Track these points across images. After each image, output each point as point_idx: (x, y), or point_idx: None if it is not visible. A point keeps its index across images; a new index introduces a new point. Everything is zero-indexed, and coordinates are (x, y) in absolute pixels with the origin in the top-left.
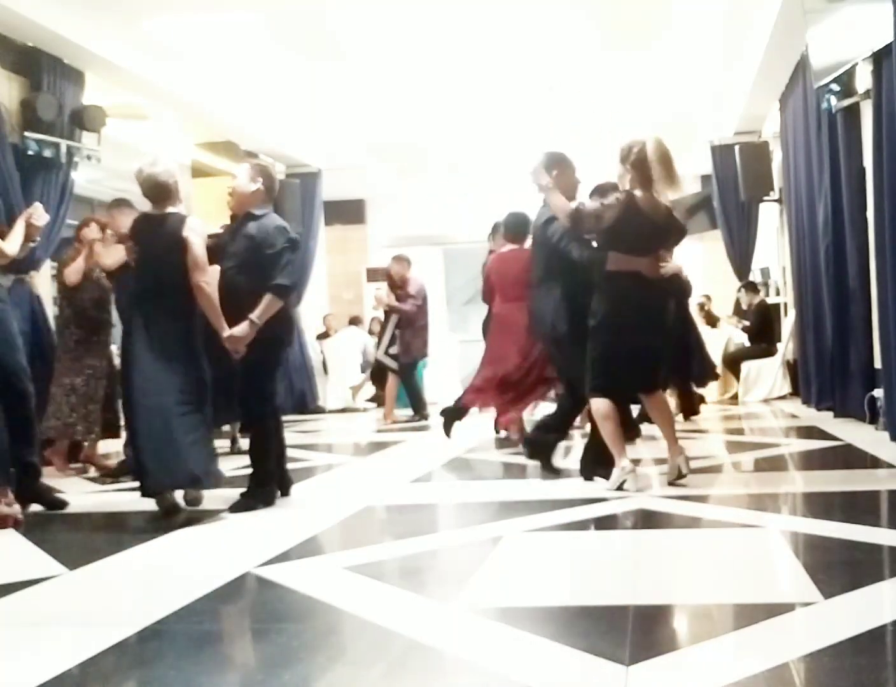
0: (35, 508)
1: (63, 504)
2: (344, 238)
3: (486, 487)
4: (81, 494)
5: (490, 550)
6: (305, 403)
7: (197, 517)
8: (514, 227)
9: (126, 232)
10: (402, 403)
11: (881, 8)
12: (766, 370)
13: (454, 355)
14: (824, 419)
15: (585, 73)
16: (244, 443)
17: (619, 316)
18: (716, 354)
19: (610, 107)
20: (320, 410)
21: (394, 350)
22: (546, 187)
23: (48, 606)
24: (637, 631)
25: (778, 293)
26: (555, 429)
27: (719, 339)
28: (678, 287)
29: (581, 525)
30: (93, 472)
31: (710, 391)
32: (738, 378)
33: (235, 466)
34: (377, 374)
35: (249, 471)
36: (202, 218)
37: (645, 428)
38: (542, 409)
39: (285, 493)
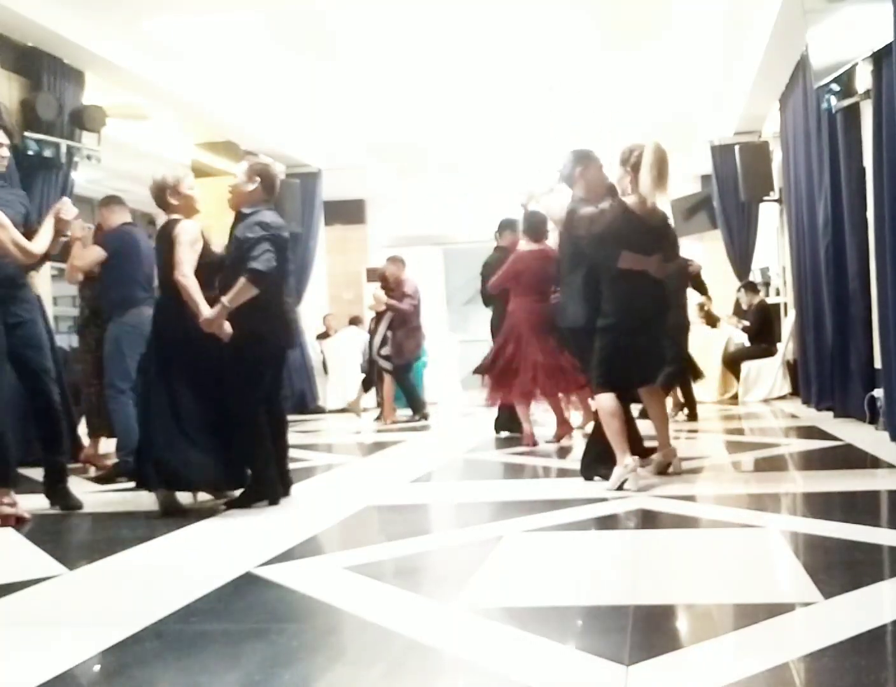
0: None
1: (80, 505)
2: (344, 238)
3: (486, 487)
4: (81, 494)
5: (490, 550)
6: (305, 403)
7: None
8: (536, 226)
9: (109, 230)
10: (402, 404)
11: (881, 8)
12: (766, 370)
13: (454, 355)
14: (824, 419)
15: (585, 73)
16: None
17: (629, 314)
18: (716, 354)
19: (610, 107)
20: (320, 410)
21: (386, 351)
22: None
23: (48, 606)
24: (637, 631)
25: (778, 293)
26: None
27: (719, 340)
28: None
29: (581, 525)
30: (92, 471)
31: (710, 391)
32: (738, 378)
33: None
34: (368, 375)
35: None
36: (203, 218)
37: (643, 427)
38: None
39: (285, 492)
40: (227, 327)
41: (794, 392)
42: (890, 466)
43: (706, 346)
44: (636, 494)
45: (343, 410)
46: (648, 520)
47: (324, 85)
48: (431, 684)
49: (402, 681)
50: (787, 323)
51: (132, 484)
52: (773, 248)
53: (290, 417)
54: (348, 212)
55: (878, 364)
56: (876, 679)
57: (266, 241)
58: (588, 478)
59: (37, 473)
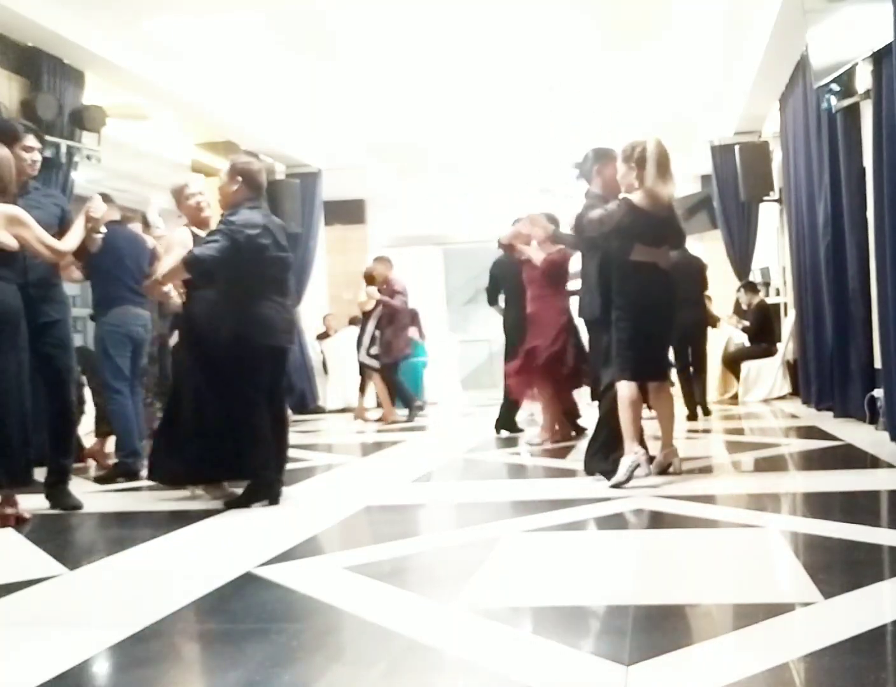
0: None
1: (80, 505)
2: (344, 238)
3: (486, 487)
4: (81, 494)
5: (490, 550)
6: (305, 403)
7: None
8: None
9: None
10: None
11: (881, 8)
12: (766, 370)
13: (454, 355)
14: (824, 419)
15: (585, 73)
16: None
17: (641, 306)
18: (716, 354)
19: (610, 107)
20: (320, 410)
21: (374, 350)
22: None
23: (48, 606)
24: (637, 631)
25: (778, 293)
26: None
27: (719, 340)
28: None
29: (581, 525)
30: (93, 471)
31: (710, 391)
32: (738, 378)
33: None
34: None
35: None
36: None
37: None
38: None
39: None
40: (174, 297)
41: (794, 392)
42: (890, 465)
43: None
44: (637, 494)
45: (343, 410)
46: (648, 520)
47: (324, 85)
48: (431, 684)
49: (402, 681)
50: (787, 323)
51: (132, 484)
52: (773, 248)
53: (290, 418)
54: (348, 212)
55: (878, 364)
56: (876, 679)
57: (219, 233)
58: (590, 472)
59: (37, 473)
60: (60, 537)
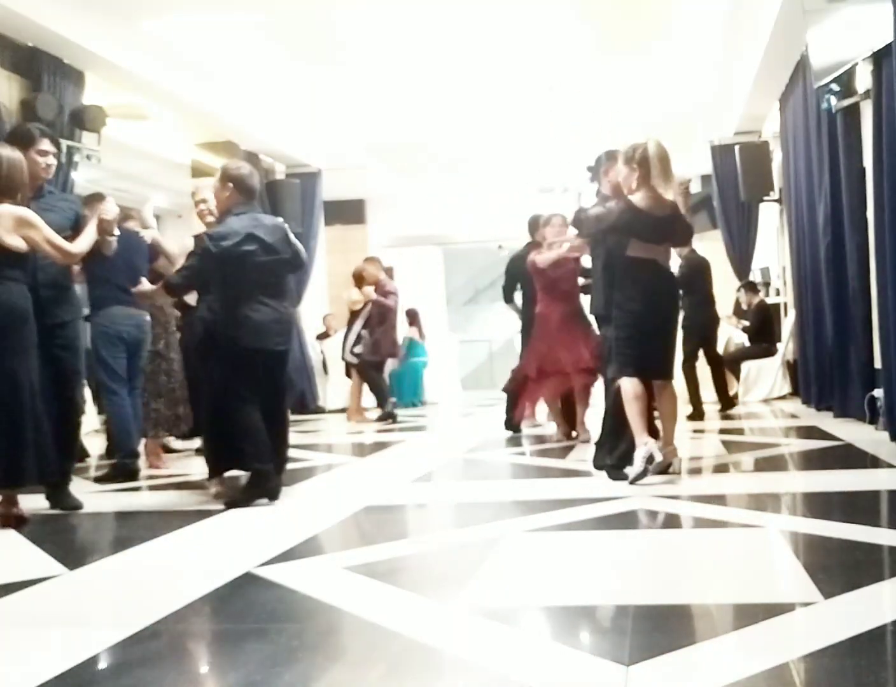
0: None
1: (80, 505)
2: (344, 238)
3: (487, 486)
4: (81, 494)
5: (490, 550)
6: (305, 403)
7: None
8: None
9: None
10: (401, 403)
11: (881, 8)
12: (766, 370)
13: (454, 355)
14: (824, 419)
15: (585, 73)
16: None
17: (641, 301)
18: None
19: (610, 107)
20: (320, 410)
21: (358, 349)
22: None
23: (48, 606)
24: (637, 631)
25: (778, 293)
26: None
27: (719, 339)
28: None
29: (581, 525)
30: (92, 471)
31: (710, 391)
32: (738, 378)
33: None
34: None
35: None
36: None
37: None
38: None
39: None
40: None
41: (794, 392)
42: (890, 465)
43: None
44: (637, 494)
45: (343, 410)
46: (649, 520)
47: (324, 85)
48: (431, 684)
49: (402, 681)
50: (787, 323)
51: (132, 484)
52: (773, 248)
53: (290, 417)
54: (348, 212)
55: (878, 364)
56: (876, 679)
57: (193, 255)
58: (597, 465)
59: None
60: (60, 537)
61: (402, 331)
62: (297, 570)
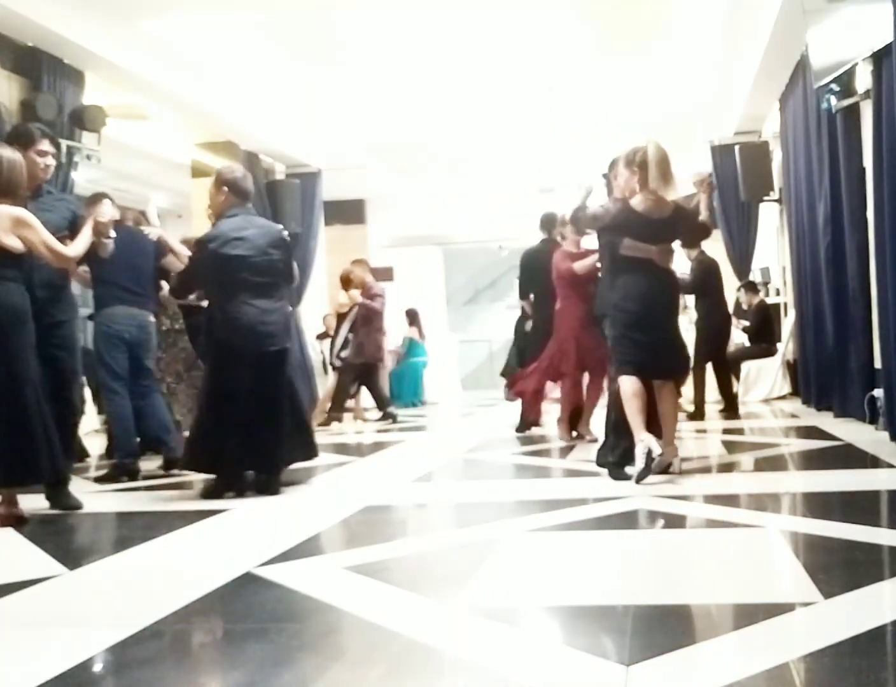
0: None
1: (80, 505)
2: (344, 238)
3: (487, 486)
4: (81, 494)
5: (490, 550)
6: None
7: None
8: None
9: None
10: (401, 403)
11: (881, 8)
12: (766, 370)
13: (454, 355)
14: (824, 419)
15: (585, 73)
16: None
17: (635, 301)
18: None
19: (610, 107)
20: None
21: (344, 354)
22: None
23: (48, 606)
24: (637, 631)
25: (778, 293)
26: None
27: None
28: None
29: (581, 525)
30: (92, 471)
31: (710, 391)
32: (738, 378)
33: None
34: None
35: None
36: (202, 218)
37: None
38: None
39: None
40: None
41: (794, 392)
42: (890, 465)
43: None
44: (637, 494)
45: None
46: (648, 520)
47: (324, 85)
48: (431, 684)
49: (402, 681)
50: (787, 323)
51: (132, 484)
52: (773, 248)
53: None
54: (348, 212)
55: (878, 364)
56: (876, 679)
57: (188, 260)
58: (599, 464)
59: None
60: (60, 537)
61: (402, 331)
62: (297, 570)
